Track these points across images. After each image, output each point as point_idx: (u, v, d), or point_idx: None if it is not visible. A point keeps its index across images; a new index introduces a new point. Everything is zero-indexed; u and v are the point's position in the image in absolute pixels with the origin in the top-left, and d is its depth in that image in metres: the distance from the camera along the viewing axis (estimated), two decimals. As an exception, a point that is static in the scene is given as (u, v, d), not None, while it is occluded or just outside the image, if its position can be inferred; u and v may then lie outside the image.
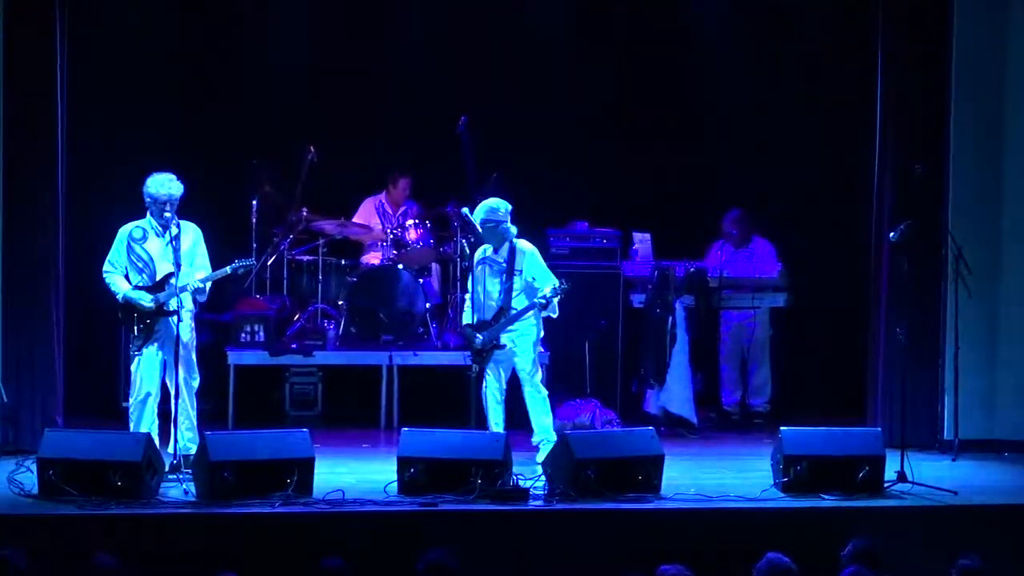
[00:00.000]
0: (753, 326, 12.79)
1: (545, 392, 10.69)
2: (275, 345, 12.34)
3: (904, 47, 11.38)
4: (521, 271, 10.64)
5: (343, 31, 13.42)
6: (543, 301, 10.44)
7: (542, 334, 10.76)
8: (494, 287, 10.66)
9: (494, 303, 10.63)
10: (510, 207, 10.69)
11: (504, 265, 10.65)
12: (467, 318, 10.69)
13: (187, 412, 10.08)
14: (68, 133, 11.05)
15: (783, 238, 12.98)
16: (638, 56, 13.57)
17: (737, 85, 13.46)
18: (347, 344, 12.59)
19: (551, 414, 10.76)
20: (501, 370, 10.64)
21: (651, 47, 13.56)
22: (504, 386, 10.66)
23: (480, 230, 10.67)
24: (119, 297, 10.09)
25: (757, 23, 13.43)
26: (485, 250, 10.76)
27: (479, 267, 10.72)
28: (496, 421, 10.61)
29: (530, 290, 10.62)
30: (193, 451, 9.91)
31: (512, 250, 10.66)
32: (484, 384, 10.61)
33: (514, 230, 10.69)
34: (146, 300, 10.01)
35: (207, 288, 10.18)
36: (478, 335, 10.50)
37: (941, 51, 11.34)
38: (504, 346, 10.52)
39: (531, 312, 10.55)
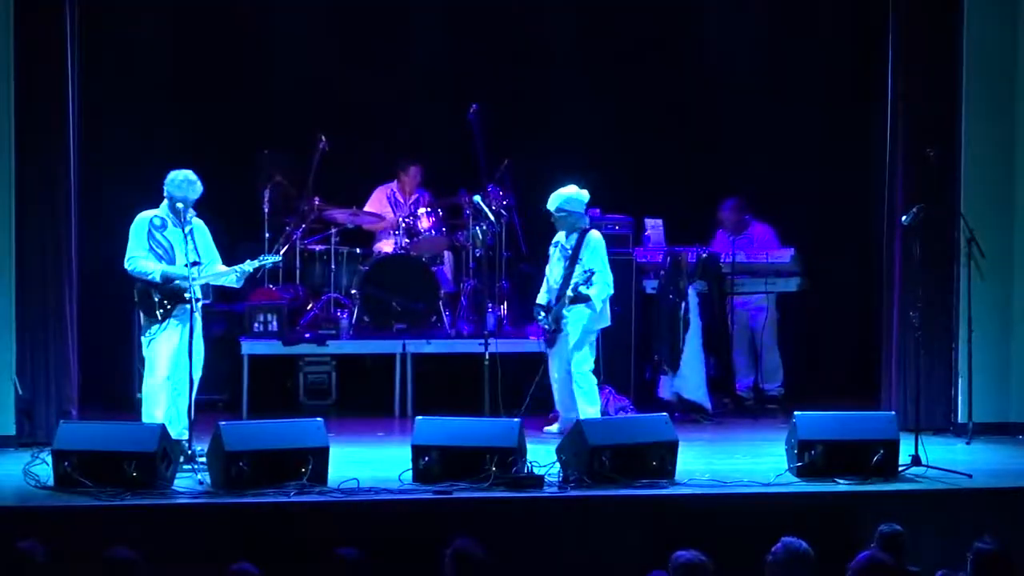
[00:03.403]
0: (761, 311, 12.79)
1: (586, 385, 10.92)
2: (289, 335, 12.35)
3: (916, 30, 11.34)
4: (582, 259, 10.90)
5: (353, 19, 13.42)
6: (571, 294, 10.80)
7: (600, 325, 11.08)
8: (559, 272, 11.05)
9: (557, 287, 11.02)
10: (586, 197, 11.12)
11: (570, 251, 10.94)
12: (540, 299, 11.18)
13: (190, 402, 10.07)
14: (80, 125, 11.06)
15: (795, 222, 12.96)
16: (648, 44, 13.57)
17: (748, 70, 13.45)
18: (360, 333, 12.60)
19: (583, 410, 10.83)
20: (557, 355, 11.06)
21: (662, 35, 13.56)
22: (563, 371, 11.04)
23: (553, 216, 11.11)
24: (158, 275, 10.04)
25: (767, 9, 13.41)
26: (558, 236, 11.18)
27: (552, 251, 11.19)
28: (559, 400, 11.13)
29: (589, 280, 10.90)
30: (185, 438, 9.90)
31: (580, 238, 10.96)
32: (549, 367, 11.15)
33: (586, 220, 11.16)
34: (182, 272, 9.98)
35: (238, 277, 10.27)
36: (545, 316, 11.02)
37: (953, 35, 11.30)
38: (562, 329, 10.92)
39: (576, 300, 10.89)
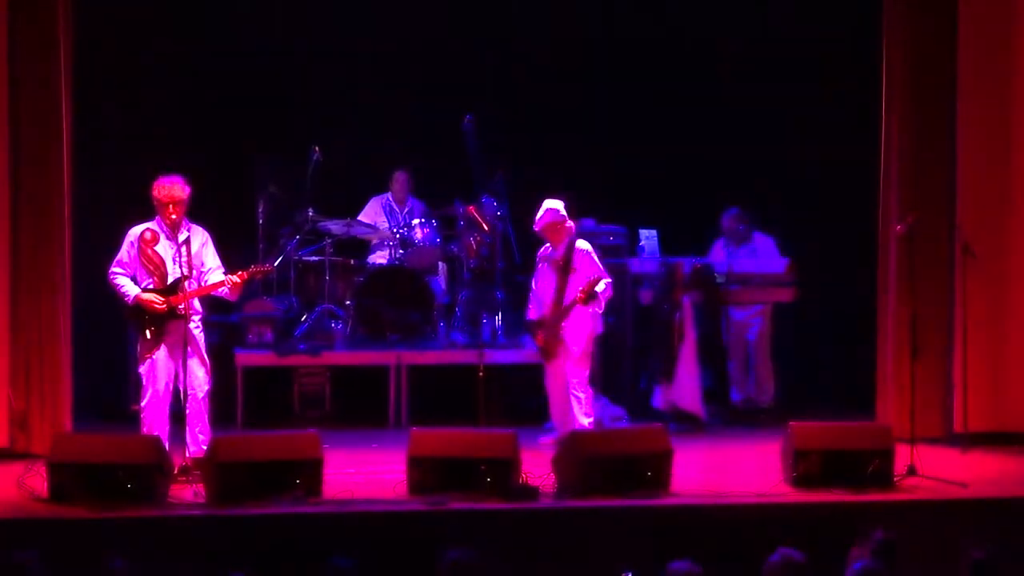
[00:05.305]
0: (756, 321, 12.80)
1: (582, 395, 10.79)
2: (283, 346, 12.35)
3: (910, 36, 11.34)
4: (577, 269, 10.77)
5: (349, 29, 13.44)
6: (581, 295, 10.60)
7: (597, 332, 11.00)
8: (551, 284, 10.86)
9: (549, 301, 10.87)
10: (565, 205, 10.92)
11: (561, 263, 10.81)
12: (532, 315, 11.02)
13: (202, 415, 10.08)
14: (74, 136, 11.05)
15: (789, 232, 12.97)
16: (644, 53, 13.59)
17: (743, 80, 13.46)
18: (355, 344, 12.60)
19: (578, 420, 10.78)
20: (557, 368, 10.89)
21: (659, 43, 13.58)
22: (561, 384, 10.91)
23: (542, 233, 10.92)
24: (129, 299, 10.08)
25: (763, 18, 13.43)
26: (547, 248, 10.99)
27: (540, 264, 11.01)
28: (556, 413, 10.96)
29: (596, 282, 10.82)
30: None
31: (570, 248, 10.80)
32: (547, 381, 10.99)
33: (573, 229, 10.95)
34: (158, 303, 10.00)
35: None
36: (538, 331, 10.83)
37: (948, 39, 11.29)
38: (564, 340, 10.74)
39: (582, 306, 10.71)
